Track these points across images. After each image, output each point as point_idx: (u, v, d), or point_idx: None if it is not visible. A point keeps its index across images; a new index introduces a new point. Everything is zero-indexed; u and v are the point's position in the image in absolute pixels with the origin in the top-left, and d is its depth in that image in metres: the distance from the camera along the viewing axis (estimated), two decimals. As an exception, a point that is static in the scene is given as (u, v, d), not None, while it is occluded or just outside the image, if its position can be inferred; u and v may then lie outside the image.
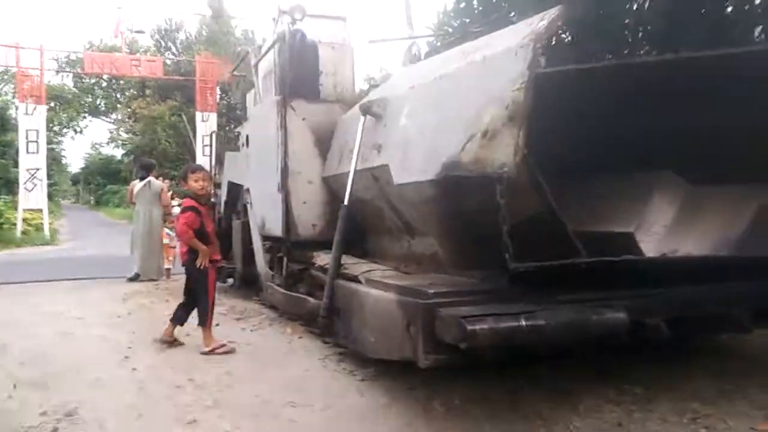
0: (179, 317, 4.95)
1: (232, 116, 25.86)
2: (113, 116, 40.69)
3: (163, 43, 29.20)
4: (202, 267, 4.75)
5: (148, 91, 28.46)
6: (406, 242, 4.64)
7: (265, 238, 5.94)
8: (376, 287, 3.69)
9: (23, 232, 17.56)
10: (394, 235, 4.77)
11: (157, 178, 9.87)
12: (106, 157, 50.60)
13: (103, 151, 50.81)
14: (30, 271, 10.60)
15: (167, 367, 4.39)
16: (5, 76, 32.00)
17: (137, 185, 9.47)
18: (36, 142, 17.47)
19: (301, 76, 5.72)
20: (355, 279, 4.16)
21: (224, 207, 7.83)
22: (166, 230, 9.58)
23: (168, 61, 23.60)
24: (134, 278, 9.07)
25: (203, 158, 19.78)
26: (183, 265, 5.02)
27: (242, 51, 18.65)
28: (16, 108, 19.08)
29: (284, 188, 5.21)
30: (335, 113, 5.40)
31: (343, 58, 6.31)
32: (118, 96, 37.75)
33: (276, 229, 5.40)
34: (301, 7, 5.64)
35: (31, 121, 17.37)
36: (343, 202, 4.41)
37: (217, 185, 8.35)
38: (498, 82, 3.14)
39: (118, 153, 45.55)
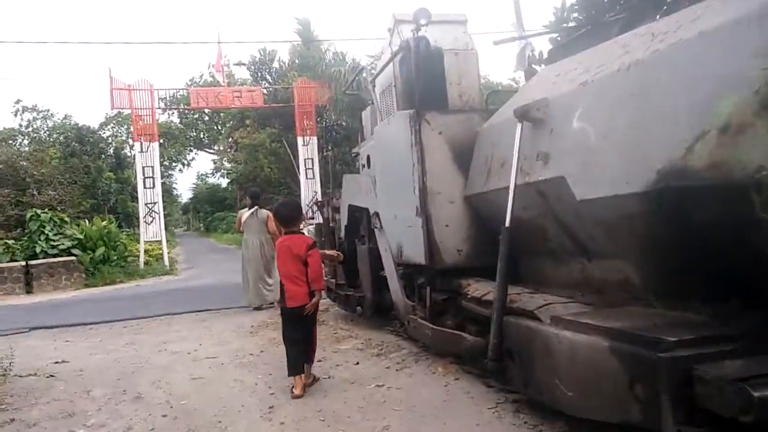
0: (302, 361, 4.50)
1: (329, 138, 25.85)
2: (216, 147, 42.32)
3: (259, 74, 29.83)
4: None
5: (247, 121, 29.06)
6: (577, 266, 3.89)
7: (401, 265, 5.36)
8: (570, 329, 2.98)
9: (146, 263, 18.13)
10: (559, 258, 4.04)
11: (261, 205, 9.58)
12: (212, 186, 52.81)
13: (209, 181, 53.17)
14: (155, 303, 10.64)
15: (317, 419, 3.86)
16: (119, 119, 33.89)
17: (245, 214, 9.39)
18: (152, 177, 18.03)
19: (429, 87, 5.12)
20: (530, 315, 3.46)
21: (345, 232, 7.36)
22: None
23: (264, 91, 23.93)
24: (259, 307, 8.96)
25: (307, 181, 19.80)
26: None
27: (354, 67, 18.40)
28: (131, 147, 19.87)
29: (424, 211, 4.60)
30: (473, 124, 4.74)
31: (467, 65, 5.67)
32: (220, 128, 39.18)
33: (416, 256, 4.80)
34: (425, 11, 5.05)
35: (146, 158, 17.96)
36: (503, 223, 3.73)
37: (336, 209, 7.92)
38: (734, 60, 2.37)
39: (224, 182, 47.36)
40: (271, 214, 9.11)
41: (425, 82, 5.03)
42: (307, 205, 20.06)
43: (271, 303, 8.86)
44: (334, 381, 4.65)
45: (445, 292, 4.85)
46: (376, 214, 5.78)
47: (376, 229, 5.86)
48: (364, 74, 6.32)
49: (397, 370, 4.80)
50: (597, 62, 3.45)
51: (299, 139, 19.99)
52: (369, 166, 6.44)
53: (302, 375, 4.43)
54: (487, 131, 4.53)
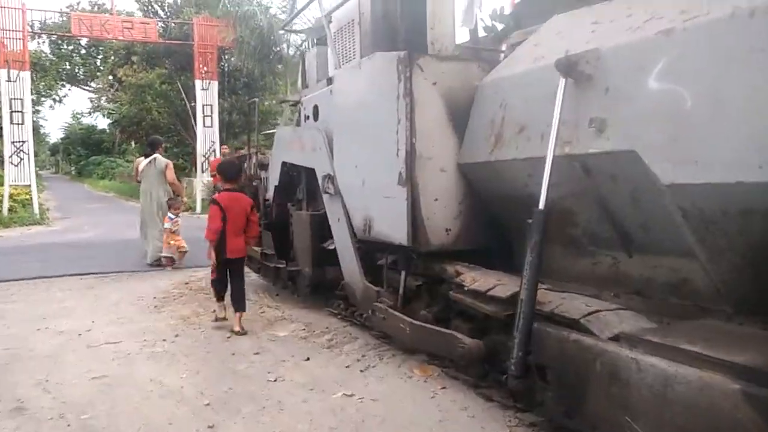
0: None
1: (227, 84, 23.88)
2: (93, 85, 38.21)
3: (149, 6, 26.82)
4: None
5: (134, 58, 26.11)
6: (606, 259, 3.20)
7: (363, 241, 4.43)
8: (660, 355, 2.23)
9: (10, 209, 15.69)
10: (582, 249, 3.32)
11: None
12: (87, 128, 47.93)
13: (84, 121, 48.20)
14: (26, 261, 8.93)
15: (277, 447, 2.93)
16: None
17: (143, 162, 8.73)
18: (21, 112, 15.47)
19: (413, 28, 4.17)
20: (574, 326, 2.71)
21: (275, 193, 6.27)
22: (169, 215, 8.50)
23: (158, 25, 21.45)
24: (159, 261, 8.38)
25: (204, 129, 18.03)
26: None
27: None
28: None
29: (409, 180, 3.69)
30: (471, 75, 3.86)
31: (443, 6, 4.73)
32: (99, 63, 35.34)
33: (394, 233, 3.90)
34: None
35: (14, 89, 15.33)
36: (520, 201, 2.92)
37: (262, 166, 6.78)
38: None
39: (102, 123, 43.13)
40: (170, 164, 8.83)
41: (410, 18, 4.07)
42: (204, 156, 18.36)
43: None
44: (285, 385, 3.70)
45: (422, 277, 4.02)
46: (329, 177, 4.77)
47: (326, 195, 4.86)
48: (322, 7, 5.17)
49: (361, 370, 3.91)
50: (678, 6, 2.68)
51: (198, 83, 18.07)
52: (316, 119, 5.38)
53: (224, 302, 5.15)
54: (491, 86, 3.66)
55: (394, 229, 3.87)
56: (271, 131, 25.80)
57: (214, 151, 18.48)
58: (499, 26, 6.57)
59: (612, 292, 3.16)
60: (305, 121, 5.65)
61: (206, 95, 18.01)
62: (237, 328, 4.84)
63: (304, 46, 18.94)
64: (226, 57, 23.49)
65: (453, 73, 3.80)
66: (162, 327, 5.16)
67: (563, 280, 3.38)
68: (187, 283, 7.17)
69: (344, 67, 4.71)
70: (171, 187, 8.71)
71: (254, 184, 6.93)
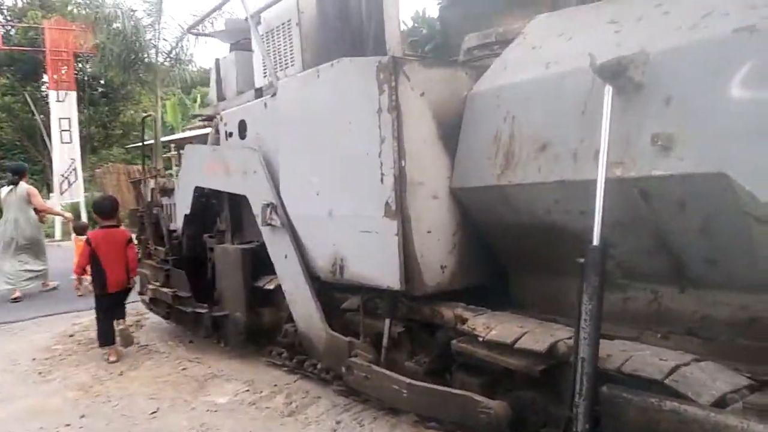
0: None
1: (88, 94, 21.52)
2: None
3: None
4: None
5: (-33, 66, 22.78)
6: (647, 295, 2.76)
7: (331, 284, 3.68)
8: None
9: None
10: (608, 282, 2.85)
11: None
12: None
13: None
14: None
15: None
16: None
17: (4, 191, 8.24)
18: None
19: (378, 29, 3.53)
20: (653, 386, 2.20)
21: (185, 223, 5.29)
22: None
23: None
24: (17, 298, 7.76)
25: (62, 145, 15.97)
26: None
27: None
28: None
29: (400, 210, 3.02)
30: (459, 84, 3.27)
31: (388, 5, 4.13)
32: None
33: (379, 276, 3.19)
34: None
35: None
36: (590, 241, 2.38)
37: (165, 191, 5.73)
38: None
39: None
40: (34, 191, 8.30)
41: (377, 20, 3.42)
42: (63, 176, 16.24)
43: (18, 296, 7.77)
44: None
45: (407, 322, 3.36)
46: (271, 206, 3.95)
47: (268, 227, 4.03)
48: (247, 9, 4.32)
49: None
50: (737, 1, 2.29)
51: (52, 94, 15.94)
52: (243, 137, 4.52)
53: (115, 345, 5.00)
54: (489, 96, 3.09)
55: (379, 270, 3.17)
56: (135, 144, 23.62)
57: (75, 169, 16.42)
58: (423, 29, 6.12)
59: (656, 332, 2.72)
60: (227, 139, 4.76)
61: (63, 107, 15.90)
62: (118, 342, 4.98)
63: (176, 52, 17.42)
64: (81, 65, 21.15)
65: (441, 81, 3.19)
66: (58, 404, 4.03)
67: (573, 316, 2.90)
68: (71, 336, 5.91)
69: (290, 75, 3.93)
70: (43, 214, 8.46)
71: (154, 212, 5.86)
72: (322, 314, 3.72)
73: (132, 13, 16.28)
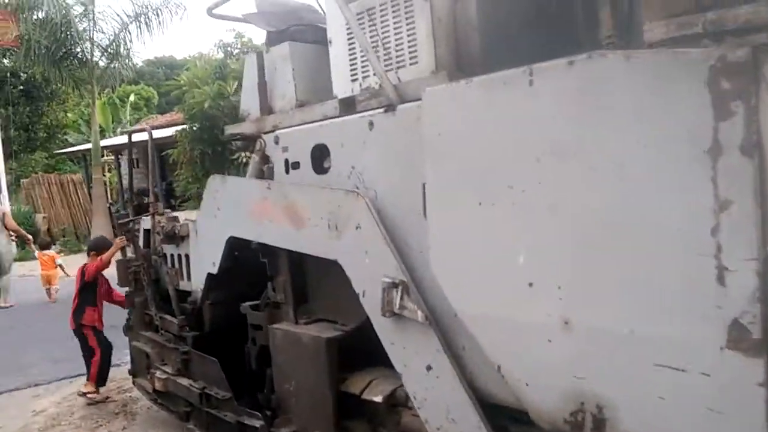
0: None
1: (5, 93, 18.74)
2: None
3: None
4: None
5: None
6: None
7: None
8: None
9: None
10: None
11: None
12: None
13: None
14: None
15: None
16: None
17: None
18: None
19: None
20: None
21: (209, 285, 3.67)
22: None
23: None
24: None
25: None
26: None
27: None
28: None
29: None
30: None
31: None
32: None
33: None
34: None
35: None
36: None
37: (170, 236, 4.03)
38: None
39: None
40: (7, 211, 10.10)
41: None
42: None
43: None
44: None
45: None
46: (403, 288, 2.43)
47: (394, 318, 2.51)
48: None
49: None
50: None
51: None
52: (323, 170, 2.97)
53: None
54: None
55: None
56: (63, 151, 20.97)
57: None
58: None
59: None
60: (288, 172, 3.18)
61: (-19, 110, 13.40)
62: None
63: (115, 46, 15.09)
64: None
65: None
66: None
67: None
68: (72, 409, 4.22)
69: (408, 78, 2.44)
70: (15, 233, 9.41)
71: (154, 258, 4.18)
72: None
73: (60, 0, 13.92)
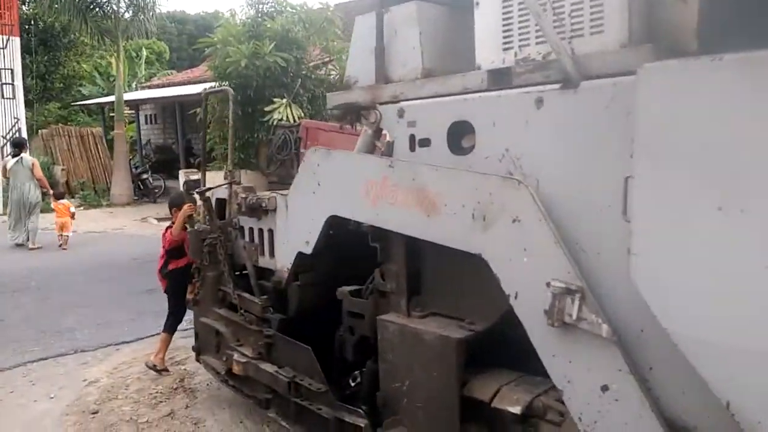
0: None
1: (24, 41, 18.05)
2: None
3: None
4: None
5: None
6: None
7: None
8: None
9: None
10: None
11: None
12: None
13: None
14: None
15: None
16: None
17: (10, 162, 9.98)
18: None
19: None
20: None
21: (298, 264, 3.33)
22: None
23: None
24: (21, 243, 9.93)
25: (4, 101, 13.05)
26: None
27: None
28: None
29: None
30: None
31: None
32: None
33: None
34: None
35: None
36: None
37: (253, 209, 3.66)
38: None
39: None
40: (36, 161, 10.33)
41: None
42: (5, 138, 13.30)
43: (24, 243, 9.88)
44: None
45: None
46: (580, 297, 2.08)
47: (563, 328, 2.16)
48: None
49: None
50: None
51: (-10, 39, 12.80)
52: (463, 151, 2.58)
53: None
54: None
55: None
56: (82, 102, 20.37)
57: (19, 129, 13.50)
58: None
59: None
60: (413, 150, 2.80)
61: (4, 56, 12.87)
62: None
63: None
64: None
65: None
66: None
67: None
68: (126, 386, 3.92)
69: (586, 49, 2.05)
70: (39, 183, 9.94)
71: (230, 231, 3.82)
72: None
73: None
